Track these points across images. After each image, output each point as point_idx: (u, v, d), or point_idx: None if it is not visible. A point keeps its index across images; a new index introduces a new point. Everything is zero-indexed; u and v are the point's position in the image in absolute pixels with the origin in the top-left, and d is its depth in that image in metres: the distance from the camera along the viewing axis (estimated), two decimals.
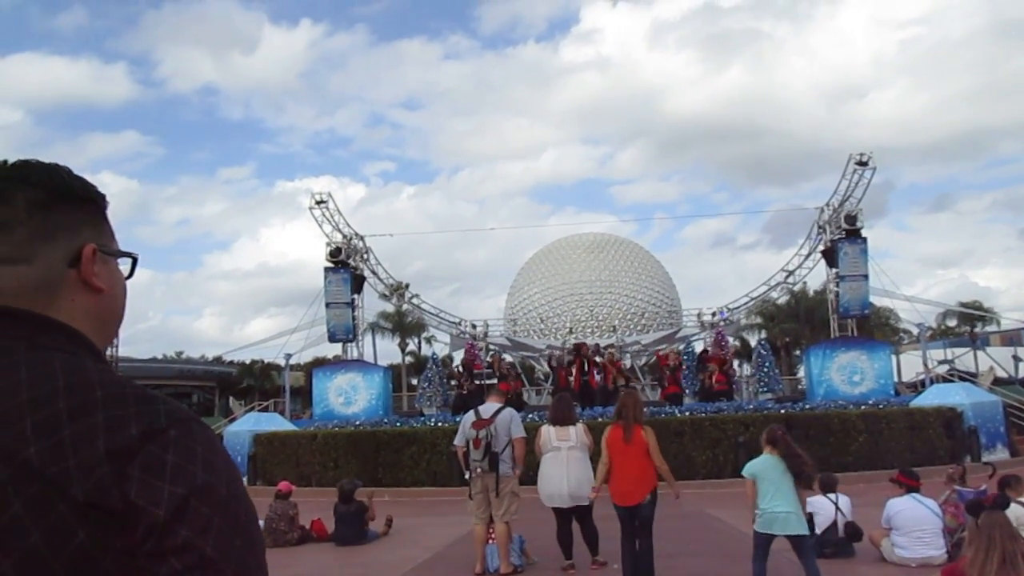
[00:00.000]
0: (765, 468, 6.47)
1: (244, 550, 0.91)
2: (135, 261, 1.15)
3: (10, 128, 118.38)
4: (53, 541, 0.84)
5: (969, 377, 26.90)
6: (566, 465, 7.90)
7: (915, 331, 33.17)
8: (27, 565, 0.83)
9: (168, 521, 0.87)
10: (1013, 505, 7.24)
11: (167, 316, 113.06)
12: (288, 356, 26.86)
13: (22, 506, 0.84)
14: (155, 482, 0.87)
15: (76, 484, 0.85)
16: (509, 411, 8.26)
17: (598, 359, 21.53)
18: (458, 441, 8.33)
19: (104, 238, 1.09)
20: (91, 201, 1.10)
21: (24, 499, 0.85)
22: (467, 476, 8.18)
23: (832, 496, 8.64)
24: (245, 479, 18.02)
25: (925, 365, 26.89)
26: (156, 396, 0.96)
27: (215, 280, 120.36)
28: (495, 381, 20.44)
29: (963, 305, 43.26)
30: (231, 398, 39.15)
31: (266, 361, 41.68)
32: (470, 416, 8.20)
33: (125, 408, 0.91)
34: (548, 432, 8.12)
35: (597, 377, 20.47)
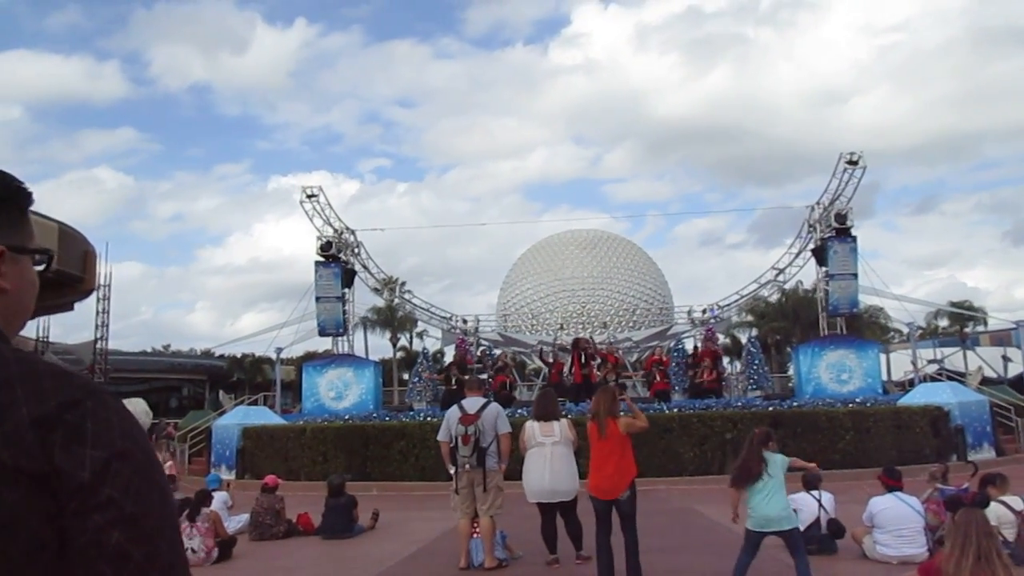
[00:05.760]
0: None
1: (160, 505, 1.00)
2: (51, 258, 1.19)
3: (8, 124, 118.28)
4: None
5: (957, 377, 27.04)
6: (549, 461, 7.90)
7: (905, 330, 33.28)
8: None
9: (92, 482, 0.94)
10: (994, 504, 7.31)
11: (159, 310, 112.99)
12: (279, 350, 26.78)
13: None
14: (78, 448, 0.95)
15: (3, 451, 0.91)
16: (494, 406, 8.28)
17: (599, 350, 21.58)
18: (442, 436, 8.31)
19: (19, 237, 1.12)
20: (9, 200, 1.12)
21: None
22: (452, 471, 8.19)
23: (815, 493, 8.68)
24: (233, 473, 18.01)
25: (914, 364, 27.02)
26: (69, 371, 1.03)
27: (207, 275, 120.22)
28: (485, 376, 20.45)
29: (953, 305, 43.45)
30: (221, 391, 39.03)
31: (256, 355, 41.57)
32: (455, 411, 8.17)
33: (41, 382, 0.97)
34: (532, 428, 8.12)
35: (597, 371, 20.42)
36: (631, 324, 39.77)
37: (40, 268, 1.17)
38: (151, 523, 0.96)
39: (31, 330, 25.56)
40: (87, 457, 0.94)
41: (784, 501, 6.50)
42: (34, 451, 0.92)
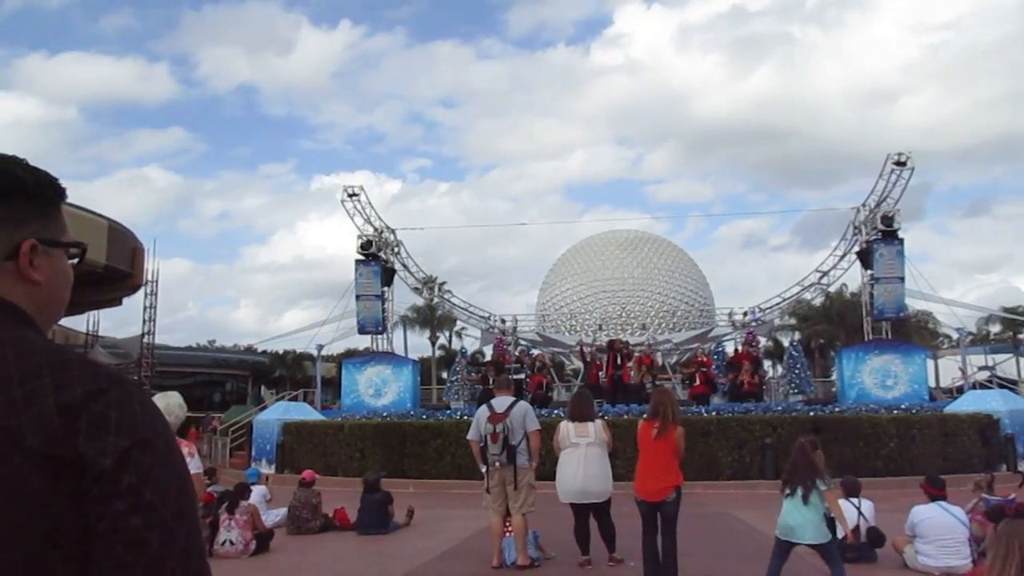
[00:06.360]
0: None
1: (179, 495, 1.01)
2: (84, 251, 1.20)
3: (64, 124, 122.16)
4: (9, 487, 0.92)
5: (1009, 384, 26.27)
6: (584, 462, 7.87)
7: (955, 336, 32.43)
8: None
9: (114, 469, 0.96)
10: None
11: (205, 306, 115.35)
12: (320, 347, 27.11)
13: None
14: (102, 435, 0.96)
15: (31, 435, 0.94)
16: (523, 404, 8.28)
17: (636, 353, 21.51)
18: (471, 436, 8.34)
19: (52, 230, 1.15)
20: (40, 195, 1.14)
21: None
22: (483, 470, 8.20)
23: (855, 501, 8.50)
24: (273, 467, 18.30)
25: (962, 371, 26.32)
26: (96, 361, 1.05)
27: (252, 272, 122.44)
28: (523, 376, 20.46)
29: (1006, 310, 42.24)
30: (263, 387, 39.66)
31: (298, 351, 42.16)
32: (484, 411, 8.19)
33: (69, 371, 0.99)
34: (567, 428, 8.10)
35: (632, 373, 20.30)
36: (671, 326, 39.47)
37: (74, 261, 1.19)
38: (169, 511, 0.98)
39: (81, 324, 26.26)
40: (109, 444, 0.96)
41: (810, 514, 6.33)
42: (59, 437, 0.94)
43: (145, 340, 29.83)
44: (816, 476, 6.43)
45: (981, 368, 34.00)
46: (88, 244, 1.23)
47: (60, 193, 1.16)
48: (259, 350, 44.94)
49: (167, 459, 1.01)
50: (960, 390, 23.27)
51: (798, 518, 6.38)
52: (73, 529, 0.95)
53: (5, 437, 0.93)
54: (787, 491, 6.48)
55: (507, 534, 8.21)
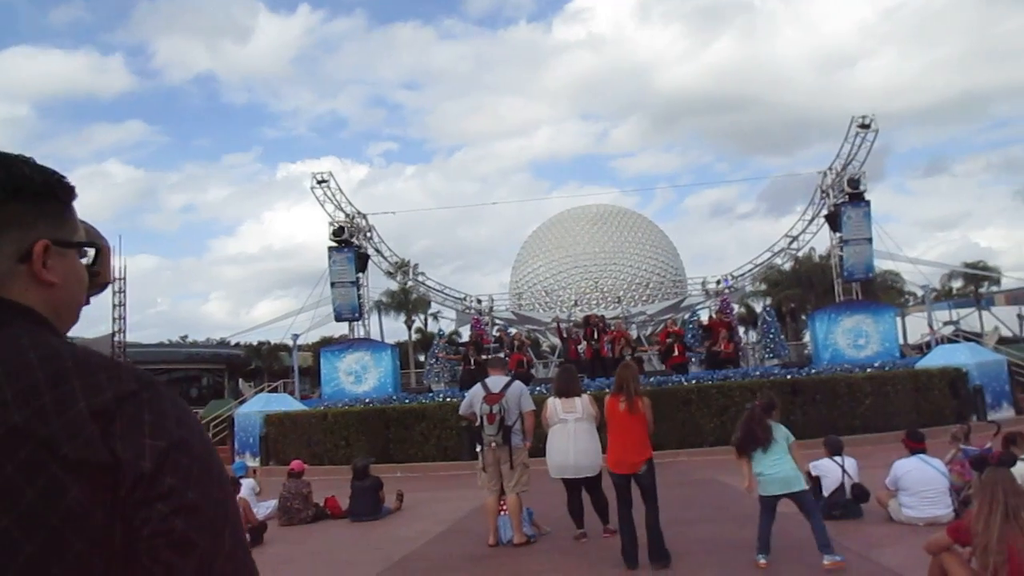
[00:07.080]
0: None
1: (220, 493, 1.01)
2: (98, 251, 1.18)
3: (16, 122, 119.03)
4: (48, 498, 0.90)
5: (974, 337, 26.93)
6: (573, 437, 7.96)
7: (920, 293, 33.07)
8: (26, 522, 0.89)
9: (153, 471, 0.95)
10: (1019, 462, 7.32)
11: (175, 301, 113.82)
12: (295, 337, 26.95)
13: (14, 468, 0.90)
14: (138, 438, 0.95)
15: (65, 443, 0.92)
16: (518, 384, 8.33)
17: (611, 326, 21.70)
18: (463, 411, 8.48)
19: (63, 231, 1.11)
20: (50, 195, 1.11)
21: (16, 462, 0.90)
22: (478, 449, 8.27)
23: (838, 459, 8.72)
24: (257, 460, 18.24)
25: (930, 327, 26.92)
26: (121, 363, 1.03)
27: (221, 264, 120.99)
28: (502, 355, 20.54)
29: (967, 265, 43.15)
30: (240, 380, 39.32)
31: (273, 342, 41.85)
32: (479, 390, 8.23)
33: (96, 374, 0.98)
34: (554, 404, 8.18)
35: (607, 347, 20.52)
36: (644, 298, 39.71)
37: (86, 261, 1.16)
38: (212, 510, 0.97)
39: None
40: (147, 447, 0.95)
41: (792, 463, 6.70)
42: (95, 443, 0.93)
43: (116, 339, 29.38)
44: (767, 443, 6.70)
45: (946, 323, 34.78)
46: None
47: (70, 192, 1.13)
48: (233, 343, 44.45)
49: (205, 458, 1.00)
50: (928, 346, 23.82)
51: (786, 471, 6.66)
52: (117, 536, 0.94)
53: (39, 446, 0.91)
54: (754, 450, 6.79)
55: (502, 513, 8.31)
